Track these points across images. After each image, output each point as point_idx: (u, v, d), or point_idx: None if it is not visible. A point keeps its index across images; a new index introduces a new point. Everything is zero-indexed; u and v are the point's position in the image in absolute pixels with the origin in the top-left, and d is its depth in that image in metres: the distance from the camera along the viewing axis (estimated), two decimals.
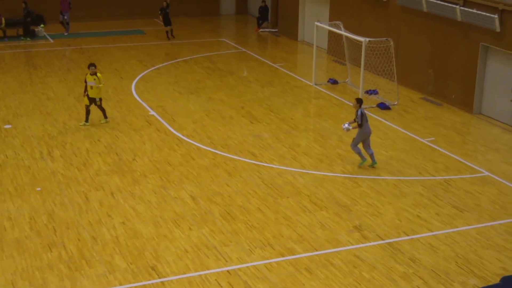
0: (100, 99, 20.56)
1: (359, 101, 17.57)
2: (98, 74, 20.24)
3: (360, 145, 17.89)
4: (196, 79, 25.91)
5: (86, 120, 20.59)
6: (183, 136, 19.90)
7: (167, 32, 32.46)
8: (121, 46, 31.09)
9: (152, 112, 21.90)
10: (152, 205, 15.45)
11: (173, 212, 15.13)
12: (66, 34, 32.69)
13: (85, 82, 20.39)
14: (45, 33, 32.56)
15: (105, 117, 20.94)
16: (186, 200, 15.74)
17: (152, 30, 34.71)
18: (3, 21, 31.53)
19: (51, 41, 31.67)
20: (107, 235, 14.05)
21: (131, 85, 24.83)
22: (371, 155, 17.75)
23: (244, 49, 31.02)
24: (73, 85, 24.68)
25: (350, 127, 17.75)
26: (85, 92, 20.44)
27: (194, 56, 29.45)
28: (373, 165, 17.80)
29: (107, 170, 17.38)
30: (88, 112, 20.54)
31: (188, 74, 26.70)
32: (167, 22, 32.24)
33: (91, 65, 20.38)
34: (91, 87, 20.21)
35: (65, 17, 32.76)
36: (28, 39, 32.01)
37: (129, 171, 17.31)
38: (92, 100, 20.39)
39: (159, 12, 32.42)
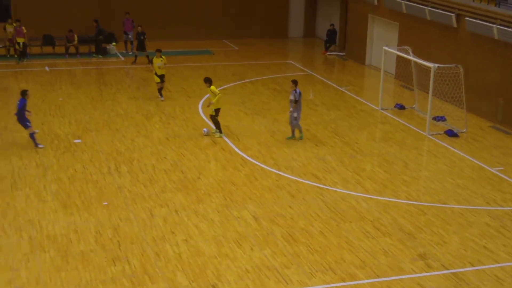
0: (217, 110, 21.42)
1: (295, 82, 21.03)
2: (212, 87, 21.34)
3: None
4: (262, 100, 26.05)
5: (220, 131, 21.63)
6: (248, 156, 20.00)
7: (136, 57, 31.26)
8: (189, 66, 31.55)
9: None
10: (215, 224, 15.55)
11: (235, 232, 15.19)
12: (131, 53, 33.26)
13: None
14: (116, 51, 33.33)
15: (218, 130, 21.64)
16: (248, 221, 15.78)
17: (221, 50, 35.12)
18: (76, 38, 32.43)
19: (122, 59, 32.36)
20: (170, 252, 14.20)
21: (198, 104, 25.15)
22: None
23: (310, 72, 31.07)
24: (142, 102, 25.12)
25: (209, 132, 21.49)
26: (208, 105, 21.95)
27: (261, 78, 29.65)
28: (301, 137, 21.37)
29: (172, 187, 17.60)
30: (217, 123, 21.59)
31: (254, 95, 26.88)
32: (141, 47, 31.03)
33: (206, 80, 21.57)
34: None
35: (129, 36, 33.42)
36: (100, 56, 32.82)
37: (194, 189, 17.49)
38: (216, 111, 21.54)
39: (136, 37, 31.27)
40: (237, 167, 19.12)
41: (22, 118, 20.00)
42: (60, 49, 32.68)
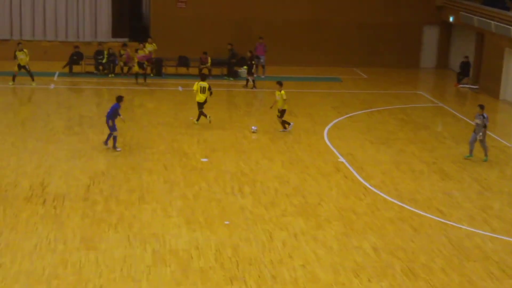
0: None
1: (482, 106, 21.93)
2: (282, 92, 24.22)
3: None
4: (389, 130, 25.73)
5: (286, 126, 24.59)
6: (371, 185, 19.77)
7: (247, 80, 31.71)
8: (317, 92, 31.69)
9: (341, 159, 22.02)
10: (333, 252, 15.45)
11: (353, 261, 15.01)
12: (263, 76, 33.87)
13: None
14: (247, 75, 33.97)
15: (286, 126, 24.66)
16: (367, 251, 15.56)
17: (349, 78, 35.06)
18: (210, 61, 33.39)
19: (251, 82, 32.92)
20: (287, 276, 14.22)
21: (324, 131, 25.18)
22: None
23: (441, 104, 30.39)
24: (268, 126, 25.43)
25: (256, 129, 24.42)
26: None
27: (389, 107, 29.32)
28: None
29: (292, 211, 17.67)
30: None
31: (381, 124, 26.60)
32: (250, 72, 31.60)
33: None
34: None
35: (261, 61, 34.08)
36: (231, 79, 33.59)
37: (314, 215, 17.47)
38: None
39: (248, 61, 31.80)
40: (359, 196, 18.94)
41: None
42: (193, 70, 33.73)
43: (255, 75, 31.98)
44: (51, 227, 16.02)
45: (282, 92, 24.15)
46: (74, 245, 15.15)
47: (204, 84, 24.93)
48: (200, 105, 24.95)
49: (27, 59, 29.94)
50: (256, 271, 14.38)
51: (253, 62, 31.76)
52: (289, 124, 24.79)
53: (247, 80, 31.90)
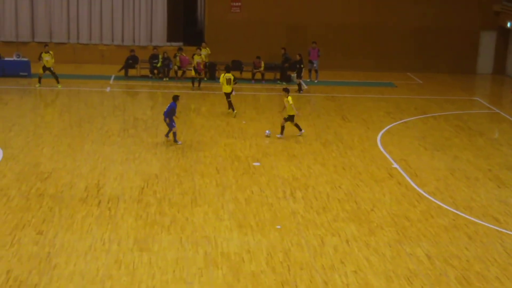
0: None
1: None
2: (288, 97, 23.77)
3: None
4: (444, 136, 25.36)
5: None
6: (425, 192, 19.51)
7: (299, 85, 31.55)
8: (371, 97, 31.45)
9: (395, 165, 21.78)
10: (386, 258, 15.28)
11: (406, 269, 14.82)
12: (316, 81, 33.87)
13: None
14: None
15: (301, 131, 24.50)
16: (421, 258, 15.35)
17: (404, 83, 34.70)
18: (263, 65, 33.49)
19: (305, 87, 32.91)
20: (339, 282, 14.13)
21: (377, 136, 24.96)
22: None
23: (498, 110, 29.83)
24: (320, 130, 25.35)
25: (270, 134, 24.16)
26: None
27: (444, 113, 28.91)
28: None
29: (344, 217, 17.55)
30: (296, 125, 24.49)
31: (436, 130, 26.23)
32: (299, 76, 31.58)
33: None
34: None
35: (314, 65, 34.07)
36: (284, 83, 33.57)
37: (366, 221, 17.32)
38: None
39: (297, 65, 31.72)
40: (412, 203, 18.71)
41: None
42: (246, 75, 33.88)
43: (302, 79, 31.95)
44: (106, 228, 16.27)
45: (289, 98, 23.88)
46: (128, 246, 15.36)
47: (229, 75, 26.66)
48: (228, 95, 26.75)
49: (53, 61, 30.51)
50: (308, 276, 14.33)
51: (301, 65, 31.69)
52: (300, 129, 24.56)
53: (299, 85, 31.85)
